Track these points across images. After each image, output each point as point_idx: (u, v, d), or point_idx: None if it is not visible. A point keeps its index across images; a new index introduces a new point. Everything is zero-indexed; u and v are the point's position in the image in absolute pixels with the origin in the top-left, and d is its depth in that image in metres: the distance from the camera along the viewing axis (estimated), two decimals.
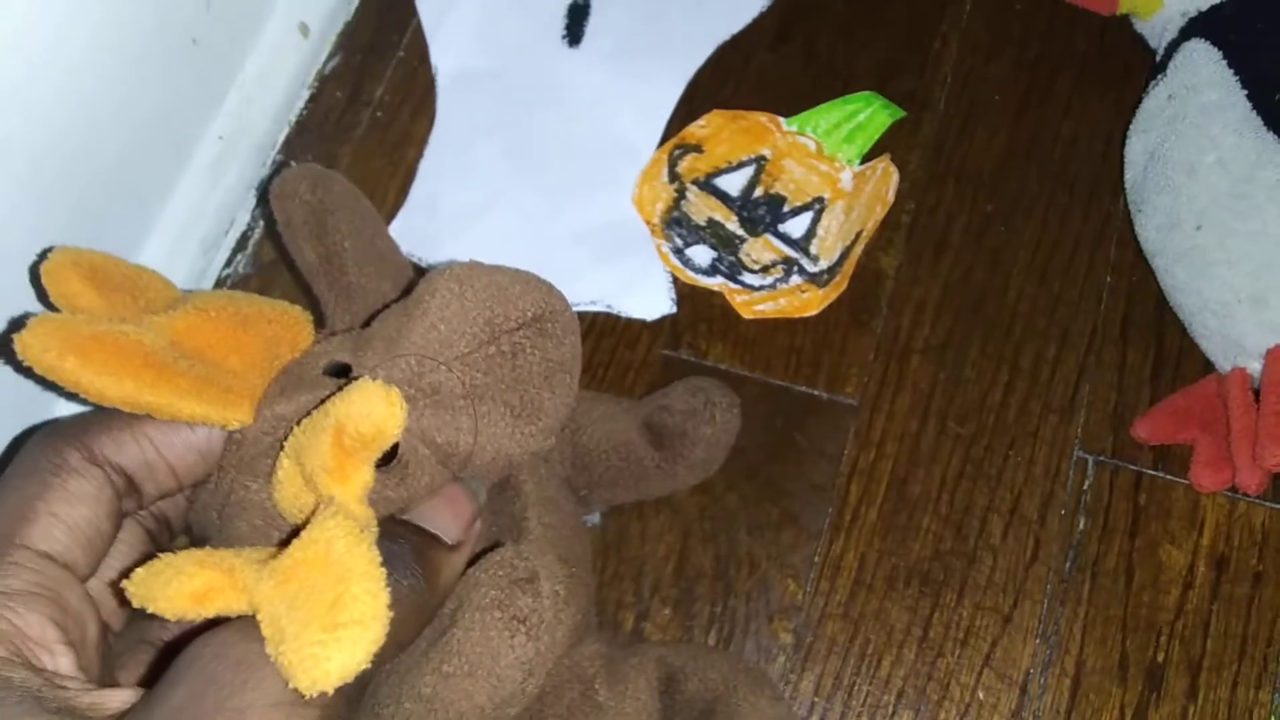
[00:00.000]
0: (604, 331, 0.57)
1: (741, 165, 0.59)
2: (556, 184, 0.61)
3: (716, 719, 0.43)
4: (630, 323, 0.57)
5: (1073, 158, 0.60)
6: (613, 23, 0.66)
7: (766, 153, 0.59)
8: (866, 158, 0.59)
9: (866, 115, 0.60)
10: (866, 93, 0.61)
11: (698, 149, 0.60)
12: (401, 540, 0.34)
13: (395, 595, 0.29)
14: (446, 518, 0.36)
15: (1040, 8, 0.64)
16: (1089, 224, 0.59)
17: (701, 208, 0.58)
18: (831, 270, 0.57)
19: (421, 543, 0.35)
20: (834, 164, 0.59)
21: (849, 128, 0.59)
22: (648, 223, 0.58)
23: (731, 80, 0.63)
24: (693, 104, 0.62)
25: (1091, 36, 0.63)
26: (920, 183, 0.59)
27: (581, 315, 0.57)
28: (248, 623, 0.29)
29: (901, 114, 0.60)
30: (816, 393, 0.55)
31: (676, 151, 0.60)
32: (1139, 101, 0.57)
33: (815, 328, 0.56)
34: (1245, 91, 0.52)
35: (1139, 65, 0.61)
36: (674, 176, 0.59)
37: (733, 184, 0.59)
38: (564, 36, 0.66)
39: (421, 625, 0.35)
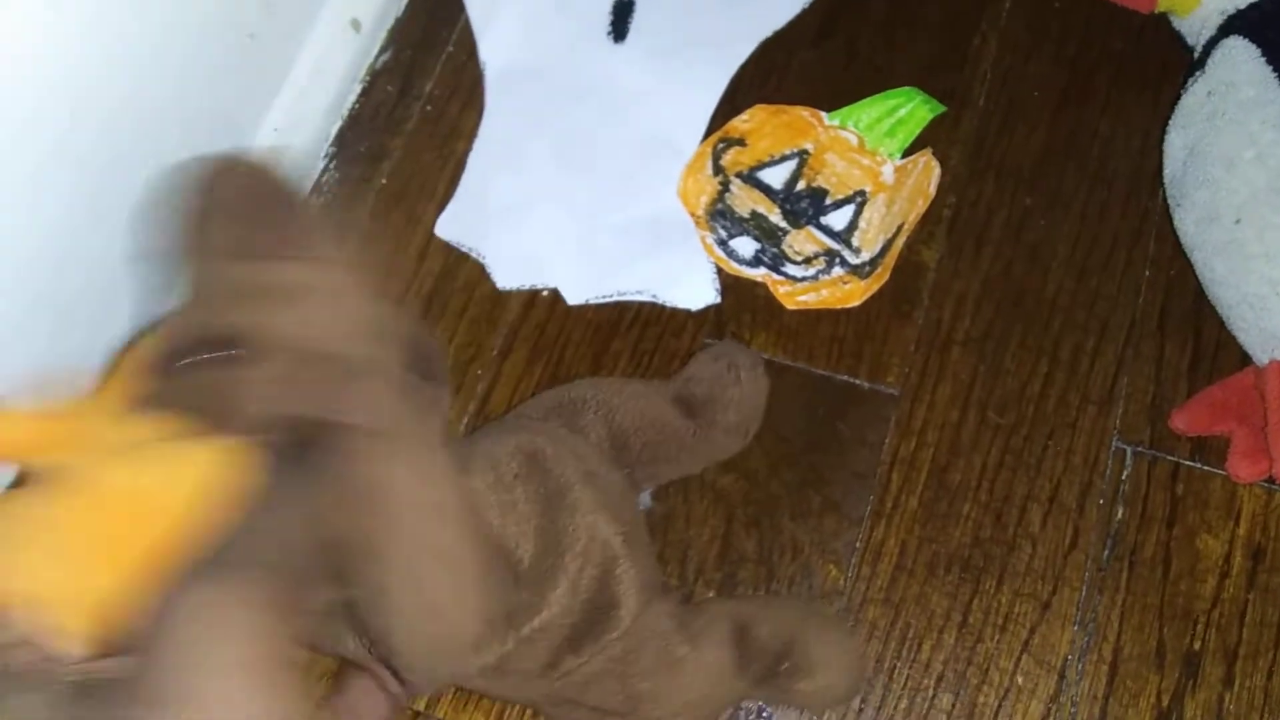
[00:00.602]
0: (649, 320, 0.58)
1: (784, 159, 0.60)
2: (602, 177, 0.62)
3: (793, 658, 0.44)
4: (675, 312, 0.58)
5: (1111, 154, 0.61)
6: (657, 20, 0.67)
7: (809, 147, 0.60)
8: (908, 152, 0.60)
9: (908, 110, 0.61)
10: (907, 88, 0.62)
11: (741, 143, 0.61)
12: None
13: None
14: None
15: (1078, 7, 0.65)
16: (1127, 219, 0.59)
17: (745, 200, 0.59)
18: (873, 262, 0.58)
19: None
20: (875, 158, 0.60)
21: (890, 123, 0.61)
22: (692, 215, 0.59)
23: (774, 76, 0.64)
24: (736, 99, 0.63)
25: (1129, 35, 0.64)
26: (961, 177, 0.60)
27: (627, 305, 0.58)
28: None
29: (942, 109, 0.61)
30: (858, 382, 0.56)
31: (720, 145, 0.61)
32: (1177, 98, 0.58)
33: (857, 318, 0.57)
34: None
35: (1176, 63, 0.61)
36: (718, 170, 0.60)
37: (776, 177, 0.60)
38: (609, 33, 0.67)
39: None
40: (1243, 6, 0.56)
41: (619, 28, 0.67)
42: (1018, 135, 0.61)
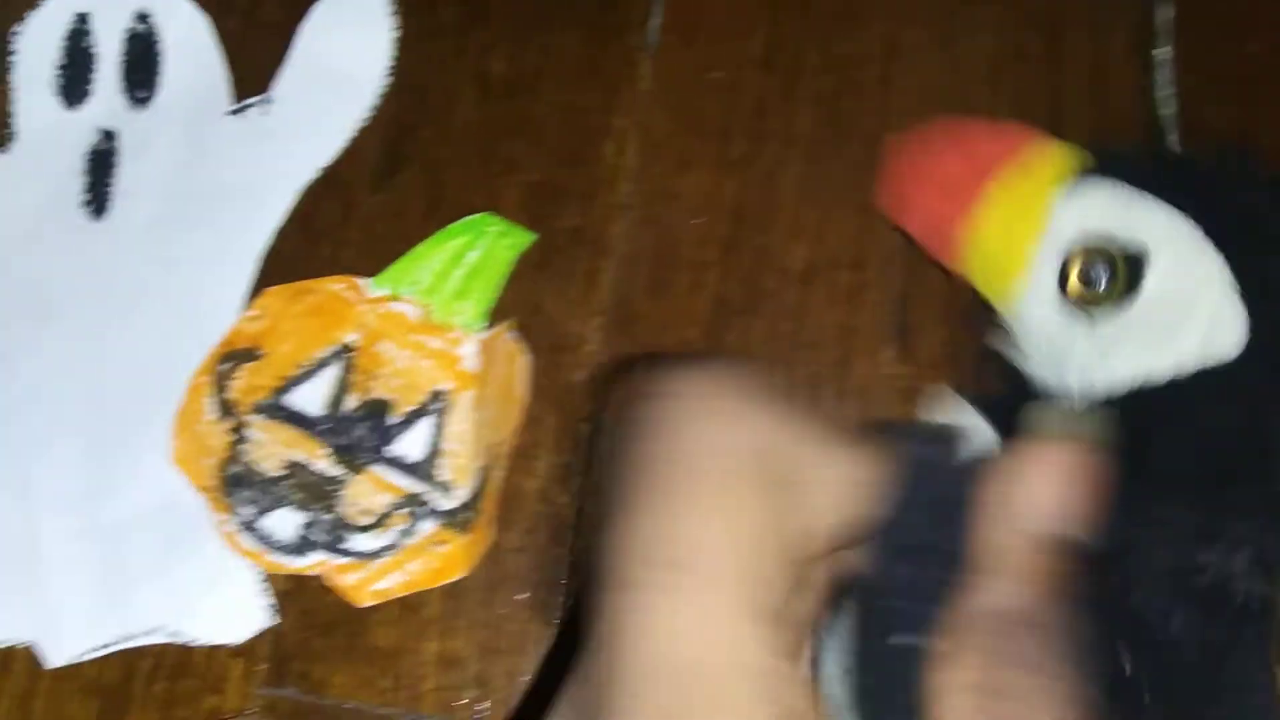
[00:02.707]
0: (177, 670, 0.38)
1: (321, 365, 0.39)
2: (90, 445, 0.41)
3: None
4: (214, 652, 0.37)
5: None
6: (150, 177, 0.45)
7: (352, 338, 0.39)
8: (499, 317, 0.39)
9: (481, 252, 0.40)
10: (477, 217, 0.41)
11: (252, 354, 0.39)
12: None
13: None
14: None
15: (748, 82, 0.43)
16: None
17: (273, 447, 0.38)
18: (474, 504, 0.37)
19: None
20: (449, 335, 0.39)
21: (459, 275, 0.39)
22: (200, 489, 0.38)
23: (328, 239, 0.42)
24: (276, 282, 0.42)
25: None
26: (611, 333, 0.39)
27: (142, 652, 0.38)
28: None
29: (529, 238, 0.40)
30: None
31: (224, 365, 0.40)
32: None
33: (475, 597, 0.37)
34: None
35: None
36: (226, 408, 0.39)
37: (312, 398, 0.39)
38: (84, 204, 0.45)
39: None
40: None
41: (97, 194, 0.45)
42: (677, 289, 0.40)
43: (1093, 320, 0.29)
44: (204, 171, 0.45)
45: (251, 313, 0.40)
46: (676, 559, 0.18)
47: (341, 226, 0.43)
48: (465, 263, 0.39)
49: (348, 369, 0.38)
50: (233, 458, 0.38)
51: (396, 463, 0.37)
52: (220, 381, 0.39)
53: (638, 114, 0.43)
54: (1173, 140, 0.41)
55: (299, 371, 0.39)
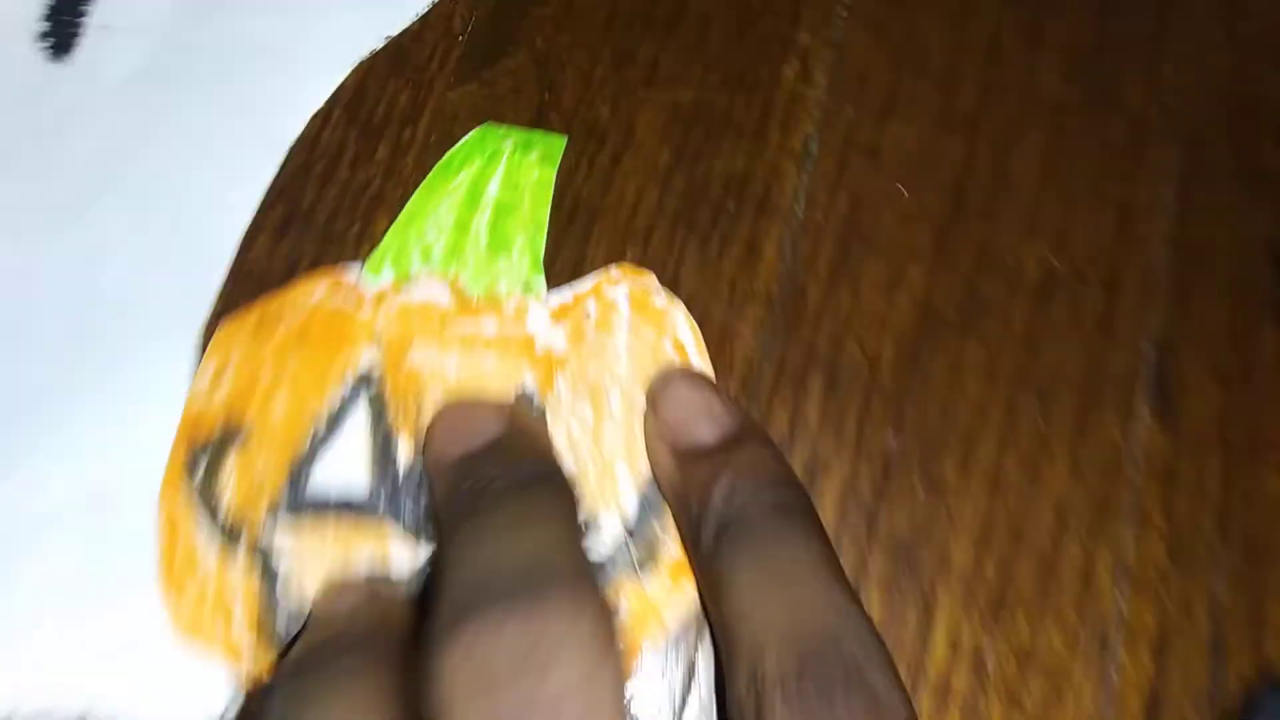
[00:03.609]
0: None
1: (338, 418, 0.26)
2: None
3: None
4: None
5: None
6: (138, 13, 0.32)
7: (366, 361, 0.27)
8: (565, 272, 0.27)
9: (502, 180, 0.27)
10: (477, 131, 0.29)
11: (231, 436, 0.26)
12: None
13: None
14: None
15: None
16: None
17: (320, 559, 0.26)
18: (641, 534, 0.26)
19: None
20: (503, 310, 0.27)
21: (483, 221, 0.27)
22: (231, 658, 0.26)
23: (389, 140, 0.30)
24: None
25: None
26: (774, 330, 0.28)
27: None
28: None
29: (560, 141, 0.28)
30: None
31: (198, 466, 0.26)
32: None
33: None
34: None
35: None
36: (230, 528, 0.26)
37: (346, 470, 0.26)
38: (44, 35, 0.32)
39: None
40: None
41: (60, 27, 0.32)
42: (868, 281, 0.28)
43: None
44: (216, 18, 0.32)
45: (207, 370, 0.27)
46: None
47: (409, 121, 0.30)
48: (486, 200, 0.27)
49: (378, 407, 0.26)
50: (270, 600, 0.26)
51: None
52: (202, 491, 0.26)
53: (834, 29, 0.30)
54: None
55: (310, 440, 0.26)
